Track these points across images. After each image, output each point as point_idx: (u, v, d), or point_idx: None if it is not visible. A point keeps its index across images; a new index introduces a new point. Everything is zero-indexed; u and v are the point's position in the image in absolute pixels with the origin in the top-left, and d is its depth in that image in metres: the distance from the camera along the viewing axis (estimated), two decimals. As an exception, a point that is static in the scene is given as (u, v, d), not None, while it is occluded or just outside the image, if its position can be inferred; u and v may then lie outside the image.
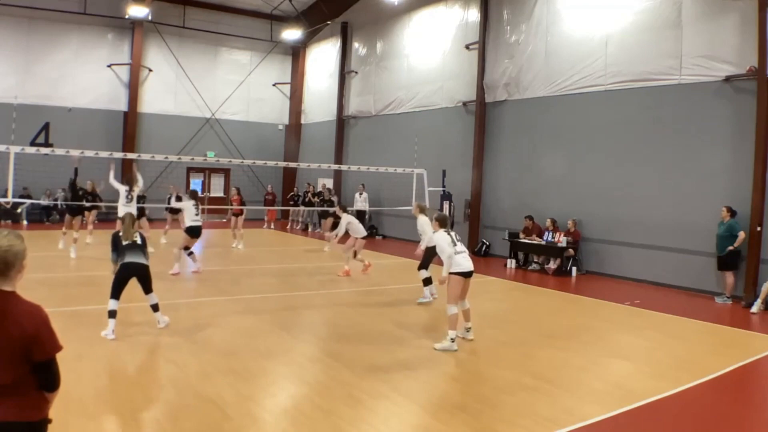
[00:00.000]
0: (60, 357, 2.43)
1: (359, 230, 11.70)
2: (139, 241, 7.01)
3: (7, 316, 2.29)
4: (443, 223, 7.23)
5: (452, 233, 7.05)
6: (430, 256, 9.20)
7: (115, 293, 6.69)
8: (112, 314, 6.61)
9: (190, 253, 11.20)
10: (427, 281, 9.46)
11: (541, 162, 14.68)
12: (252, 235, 17.97)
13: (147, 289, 6.98)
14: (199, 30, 22.89)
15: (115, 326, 6.61)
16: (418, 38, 19.18)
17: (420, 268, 9.52)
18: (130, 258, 6.81)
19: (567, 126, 14.12)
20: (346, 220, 11.81)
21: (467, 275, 6.88)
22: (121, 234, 7.05)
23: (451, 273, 6.79)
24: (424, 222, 9.49)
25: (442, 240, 6.93)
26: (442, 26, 18.12)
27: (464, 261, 6.87)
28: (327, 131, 23.42)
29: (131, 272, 6.81)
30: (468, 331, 7.21)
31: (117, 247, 6.99)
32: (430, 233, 8.60)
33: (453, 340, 6.67)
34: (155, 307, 7.10)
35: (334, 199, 18.51)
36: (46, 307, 2.42)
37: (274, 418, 4.74)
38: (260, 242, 17.26)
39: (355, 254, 11.75)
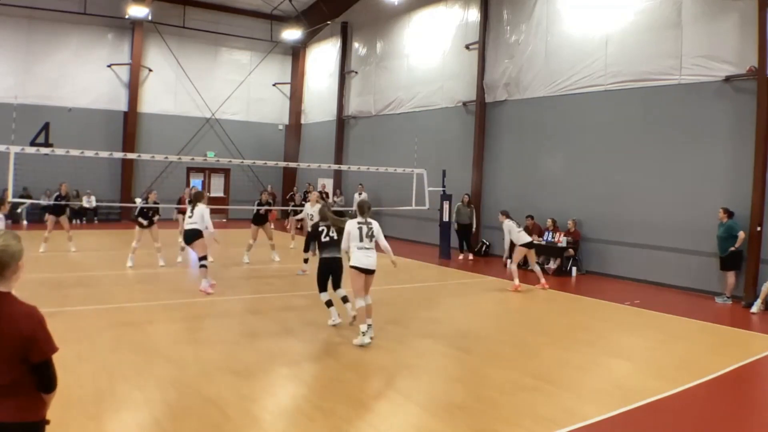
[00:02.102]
0: (60, 357, 2.43)
1: (520, 237, 11.14)
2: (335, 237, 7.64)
3: (3, 317, 2.28)
4: (361, 210, 7.10)
5: (365, 227, 6.96)
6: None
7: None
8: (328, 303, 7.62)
9: (203, 266, 9.53)
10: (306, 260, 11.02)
11: (541, 162, 14.68)
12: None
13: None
14: (199, 30, 22.89)
15: (336, 313, 7.62)
16: (418, 38, 19.17)
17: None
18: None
19: (567, 126, 14.12)
20: (507, 227, 11.24)
21: (363, 271, 6.87)
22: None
23: (351, 266, 6.91)
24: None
25: (346, 233, 7.00)
26: (442, 26, 18.11)
27: (364, 258, 6.88)
28: (327, 131, 23.41)
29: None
30: (368, 328, 6.90)
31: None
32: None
33: (364, 333, 6.75)
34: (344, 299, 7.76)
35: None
36: (45, 307, 2.42)
37: (274, 418, 4.74)
38: (261, 242, 17.22)
39: (518, 265, 11.26)
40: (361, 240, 6.90)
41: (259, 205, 13.12)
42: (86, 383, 5.09)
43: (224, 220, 23.25)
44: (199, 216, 9.41)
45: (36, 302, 2.42)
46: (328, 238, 7.55)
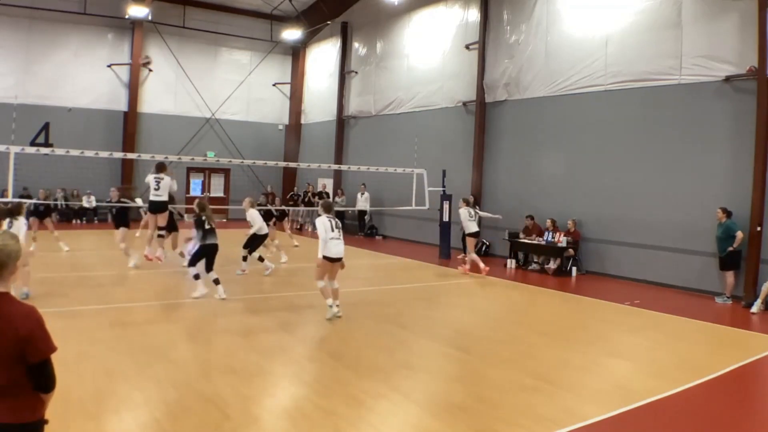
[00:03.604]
0: (60, 357, 2.43)
1: (467, 226, 12.25)
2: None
3: (1, 317, 2.27)
4: (327, 209, 8.12)
5: (333, 220, 7.97)
6: (255, 240, 11.43)
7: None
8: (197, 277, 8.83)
9: (160, 236, 10.86)
10: (245, 258, 11.51)
11: (541, 162, 14.67)
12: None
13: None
14: (199, 30, 22.87)
15: (203, 285, 8.88)
16: (418, 38, 19.17)
17: (244, 247, 11.48)
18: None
19: (567, 126, 14.11)
20: (462, 215, 12.36)
21: (333, 260, 7.90)
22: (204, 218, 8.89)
23: (323, 256, 7.83)
24: (253, 214, 11.35)
25: (321, 225, 7.87)
26: (442, 26, 18.11)
27: (334, 247, 7.88)
28: (327, 131, 23.41)
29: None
30: (337, 308, 7.99)
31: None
32: (257, 223, 11.27)
33: (331, 306, 7.95)
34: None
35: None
36: (46, 307, 2.43)
37: (274, 418, 4.75)
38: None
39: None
40: (332, 230, 7.88)
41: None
42: (86, 383, 5.09)
43: (224, 220, 23.25)
44: (166, 187, 10.58)
45: (35, 302, 2.42)
46: (209, 226, 8.95)
